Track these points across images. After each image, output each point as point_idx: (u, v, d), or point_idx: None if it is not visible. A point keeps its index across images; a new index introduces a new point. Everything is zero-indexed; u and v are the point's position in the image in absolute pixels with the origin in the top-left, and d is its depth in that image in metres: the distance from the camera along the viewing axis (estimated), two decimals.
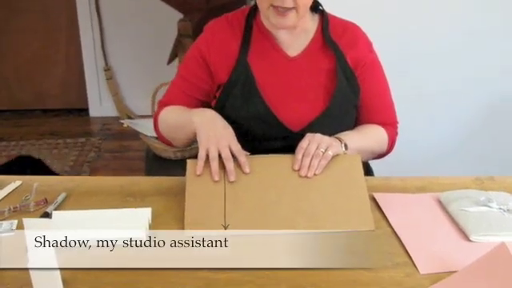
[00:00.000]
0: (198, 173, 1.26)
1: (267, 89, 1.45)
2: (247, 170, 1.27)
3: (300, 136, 1.35)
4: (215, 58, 1.48)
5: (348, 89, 1.47)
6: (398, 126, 1.60)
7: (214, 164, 1.26)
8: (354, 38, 1.50)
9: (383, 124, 1.54)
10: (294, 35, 1.48)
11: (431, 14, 2.30)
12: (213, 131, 1.31)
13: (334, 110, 1.45)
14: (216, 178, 1.25)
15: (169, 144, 1.59)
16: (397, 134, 1.59)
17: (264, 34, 1.48)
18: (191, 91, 1.53)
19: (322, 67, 1.47)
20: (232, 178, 1.26)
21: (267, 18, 1.40)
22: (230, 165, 1.26)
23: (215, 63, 1.48)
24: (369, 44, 1.53)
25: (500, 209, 1.23)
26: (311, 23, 1.50)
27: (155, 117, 1.57)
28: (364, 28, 1.55)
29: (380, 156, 1.57)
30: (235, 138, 1.32)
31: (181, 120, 1.45)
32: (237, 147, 1.29)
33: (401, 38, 2.30)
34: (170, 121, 1.51)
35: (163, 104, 1.57)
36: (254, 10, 1.50)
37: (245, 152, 1.30)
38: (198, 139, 1.32)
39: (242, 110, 1.44)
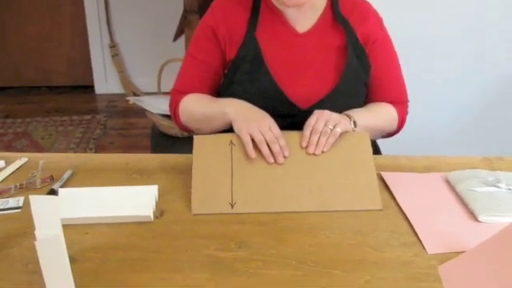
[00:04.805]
0: (253, 156, 1.25)
1: (275, 65, 1.43)
2: (287, 153, 1.26)
3: (308, 114, 1.34)
4: (224, 33, 1.46)
5: (358, 66, 1.45)
6: (409, 104, 1.58)
7: (264, 147, 1.25)
8: (364, 13, 1.48)
9: (393, 102, 1.53)
10: (302, 11, 1.45)
11: None
12: (251, 116, 1.32)
13: (344, 88, 1.43)
14: (271, 160, 1.25)
15: (190, 131, 1.56)
16: (407, 112, 1.57)
17: (272, 10, 1.46)
18: (205, 71, 1.50)
19: (332, 44, 1.45)
20: (281, 160, 1.25)
21: None
22: (276, 147, 1.25)
23: (224, 38, 1.46)
24: (379, 20, 1.51)
25: (509, 189, 1.22)
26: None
27: (173, 107, 1.52)
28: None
29: (390, 134, 1.56)
30: (273, 120, 1.31)
31: (209, 112, 1.42)
32: (277, 130, 1.28)
33: (408, 20, 2.27)
34: (195, 113, 1.47)
35: (178, 92, 1.52)
36: None
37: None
38: (235, 127, 1.31)
39: (249, 87, 1.43)
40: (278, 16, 1.46)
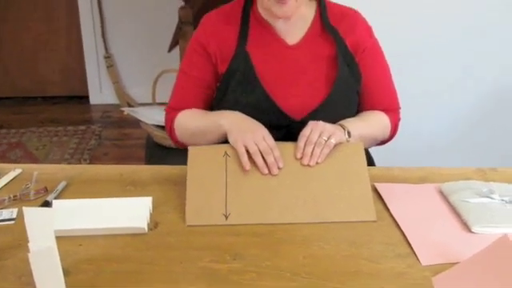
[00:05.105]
0: (248, 168, 1.25)
1: (267, 77, 1.44)
2: (281, 164, 1.26)
3: (302, 125, 1.34)
4: (215, 48, 1.47)
5: (349, 75, 1.46)
6: (401, 111, 1.58)
7: (259, 159, 1.26)
8: (352, 23, 1.49)
9: (386, 110, 1.53)
10: (291, 23, 1.46)
11: (434, 5, 2.28)
12: (246, 127, 1.32)
13: (336, 98, 1.44)
14: (265, 171, 1.25)
15: (186, 148, 1.56)
16: (399, 119, 1.58)
17: (262, 24, 1.47)
18: (198, 87, 1.51)
19: (323, 54, 1.46)
20: (275, 171, 1.25)
21: (268, 8, 1.40)
22: (270, 158, 1.26)
23: (215, 53, 1.47)
24: (368, 29, 1.52)
25: (502, 200, 1.23)
26: (308, 10, 1.48)
27: (169, 124, 1.53)
28: (373, 17, 1.53)
29: (383, 142, 1.57)
30: (268, 131, 1.32)
31: (204, 126, 1.43)
32: (271, 141, 1.29)
33: (402, 28, 2.29)
34: (190, 128, 1.47)
35: (173, 109, 1.53)
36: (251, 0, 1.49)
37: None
38: (230, 138, 1.32)
39: (242, 100, 1.43)
40: (267, 29, 1.47)
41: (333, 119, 1.38)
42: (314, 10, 1.49)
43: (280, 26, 1.47)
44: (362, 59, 1.48)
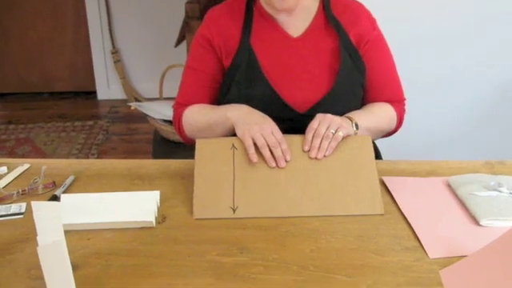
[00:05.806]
0: (255, 160, 1.25)
1: (271, 71, 1.44)
2: (289, 157, 1.26)
3: (306, 117, 1.34)
4: (219, 42, 1.47)
5: (353, 67, 1.46)
6: (406, 102, 1.58)
7: (266, 151, 1.26)
8: (355, 14, 1.49)
9: (391, 101, 1.53)
10: (295, 15, 1.47)
11: None
12: (253, 120, 1.32)
13: (340, 90, 1.44)
14: (273, 164, 1.25)
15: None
16: (404, 110, 1.58)
17: (265, 17, 1.48)
18: (204, 81, 1.51)
19: (326, 46, 1.46)
20: (282, 164, 1.25)
21: (269, 2, 1.40)
22: (278, 151, 1.26)
23: (220, 47, 1.47)
24: (372, 20, 1.51)
25: (510, 193, 1.22)
26: (312, 2, 1.48)
27: (177, 120, 1.53)
28: (378, 11, 1.52)
29: (388, 134, 1.56)
30: (275, 124, 1.32)
31: (212, 119, 1.42)
32: (279, 134, 1.29)
33: (410, 20, 2.28)
34: (197, 123, 1.47)
35: (180, 105, 1.53)
36: None
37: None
38: (238, 131, 1.32)
39: (246, 93, 1.43)
40: (271, 22, 1.47)
41: (337, 111, 1.38)
42: (317, 2, 1.49)
43: (283, 19, 1.47)
44: (365, 51, 1.48)
